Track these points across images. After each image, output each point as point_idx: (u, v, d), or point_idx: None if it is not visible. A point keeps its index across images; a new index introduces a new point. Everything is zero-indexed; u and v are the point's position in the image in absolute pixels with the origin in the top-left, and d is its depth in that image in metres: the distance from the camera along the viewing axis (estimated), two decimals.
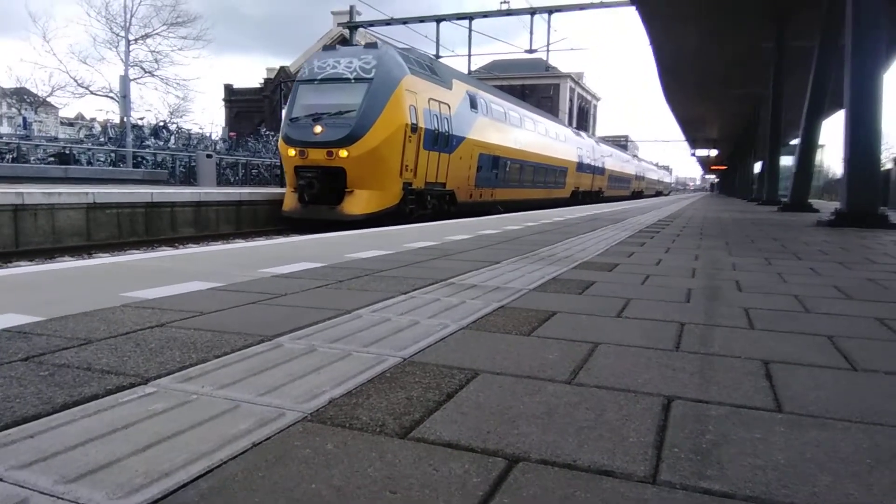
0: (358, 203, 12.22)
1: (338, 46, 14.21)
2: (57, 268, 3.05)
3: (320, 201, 12.29)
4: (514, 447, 1.08)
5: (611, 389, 1.41)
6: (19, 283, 2.61)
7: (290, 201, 12.76)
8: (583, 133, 32.23)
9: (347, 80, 12.82)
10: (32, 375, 1.39)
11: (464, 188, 15.97)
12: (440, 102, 14.47)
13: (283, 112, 14.00)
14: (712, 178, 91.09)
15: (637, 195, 44.97)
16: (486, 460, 1.03)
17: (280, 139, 13.41)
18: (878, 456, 1.09)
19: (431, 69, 14.98)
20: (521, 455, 1.05)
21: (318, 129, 12.29)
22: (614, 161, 36.76)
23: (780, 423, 1.23)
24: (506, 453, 1.06)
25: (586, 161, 28.68)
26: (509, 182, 19.12)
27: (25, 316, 1.95)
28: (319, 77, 13.17)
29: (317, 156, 12.23)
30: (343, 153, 12.00)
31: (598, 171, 31.25)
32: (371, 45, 13.86)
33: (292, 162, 12.57)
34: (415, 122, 13.16)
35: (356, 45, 13.97)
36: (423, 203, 13.99)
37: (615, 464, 1.03)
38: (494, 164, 17.65)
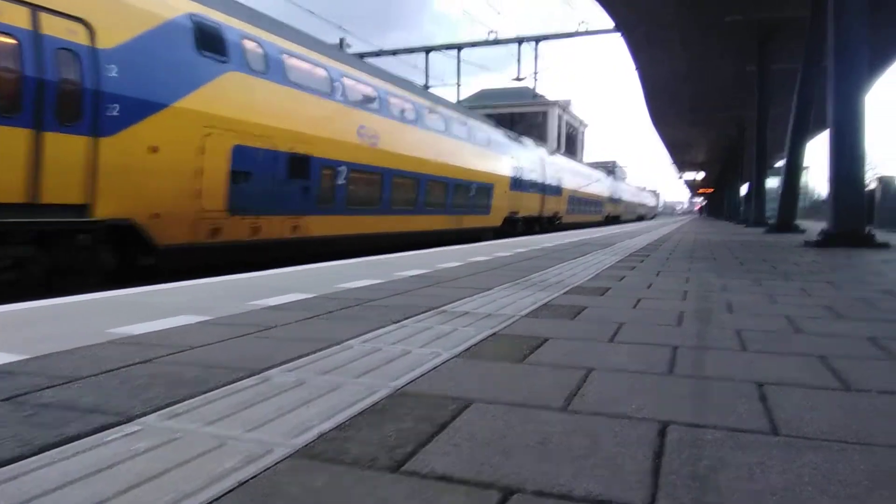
0: None
1: None
2: (43, 304, 3.00)
3: None
4: (509, 479, 1.06)
5: (605, 416, 1.39)
6: (4, 320, 2.57)
7: None
8: (526, 139, 23.37)
9: None
10: (13, 416, 1.36)
11: (186, 214, 7.45)
12: (38, 9, 5.96)
13: None
14: (700, 200, 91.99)
15: (612, 220, 37.58)
16: (481, 493, 1.01)
17: None
18: (875, 478, 1.07)
19: None
20: (516, 487, 1.03)
21: None
22: (577, 179, 29.27)
23: (776, 446, 1.22)
24: (500, 485, 1.04)
25: (529, 176, 20.90)
26: (350, 205, 10.61)
27: (8, 354, 1.91)
28: None
29: None
30: None
31: (550, 190, 23.68)
32: None
33: None
34: None
35: None
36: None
37: (612, 493, 1.01)
38: (298, 170, 9.13)
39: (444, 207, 14.52)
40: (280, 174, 8.84)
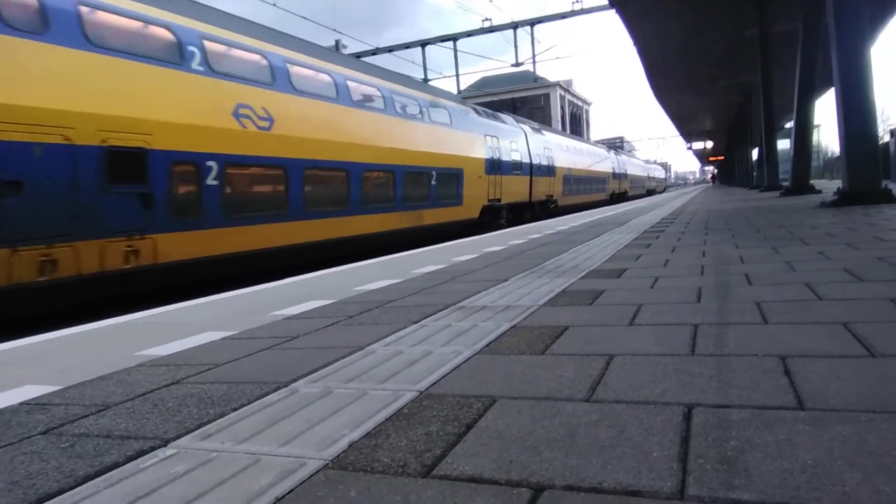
0: None
1: None
2: (71, 332, 3.06)
3: None
4: (539, 475, 1.08)
5: (630, 403, 1.40)
6: (35, 353, 2.63)
7: None
8: (505, 115, 19.77)
9: None
10: (53, 448, 1.40)
11: None
12: None
13: None
14: (711, 169, 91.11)
15: (619, 197, 34.19)
16: (511, 492, 1.03)
17: None
18: None
19: None
20: (545, 483, 1.05)
21: None
22: (573, 156, 25.75)
23: (803, 421, 1.22)
24: (530, 482, 1.05)
25: (511, 157, 17.59)
26: (233, 213, 7.69)
27: (43, 386, 1.96)
28: None
29: None
30: None
31: (540, 171, 20.26)
32: None
33: None
34: None
35: None
36: None
37: (641, 482, 1.02)
38: (125, 171, 6.23)
39: (392, 203, 11.34)
40: (87, 179, 5.90)
